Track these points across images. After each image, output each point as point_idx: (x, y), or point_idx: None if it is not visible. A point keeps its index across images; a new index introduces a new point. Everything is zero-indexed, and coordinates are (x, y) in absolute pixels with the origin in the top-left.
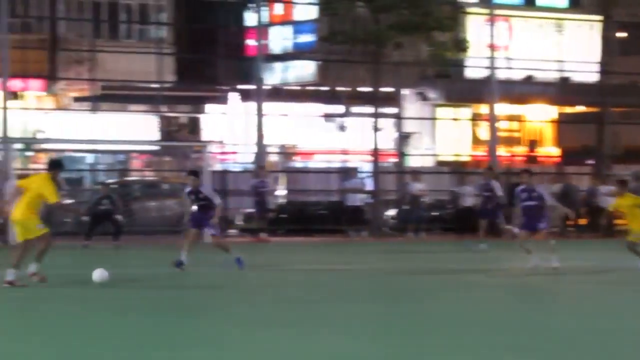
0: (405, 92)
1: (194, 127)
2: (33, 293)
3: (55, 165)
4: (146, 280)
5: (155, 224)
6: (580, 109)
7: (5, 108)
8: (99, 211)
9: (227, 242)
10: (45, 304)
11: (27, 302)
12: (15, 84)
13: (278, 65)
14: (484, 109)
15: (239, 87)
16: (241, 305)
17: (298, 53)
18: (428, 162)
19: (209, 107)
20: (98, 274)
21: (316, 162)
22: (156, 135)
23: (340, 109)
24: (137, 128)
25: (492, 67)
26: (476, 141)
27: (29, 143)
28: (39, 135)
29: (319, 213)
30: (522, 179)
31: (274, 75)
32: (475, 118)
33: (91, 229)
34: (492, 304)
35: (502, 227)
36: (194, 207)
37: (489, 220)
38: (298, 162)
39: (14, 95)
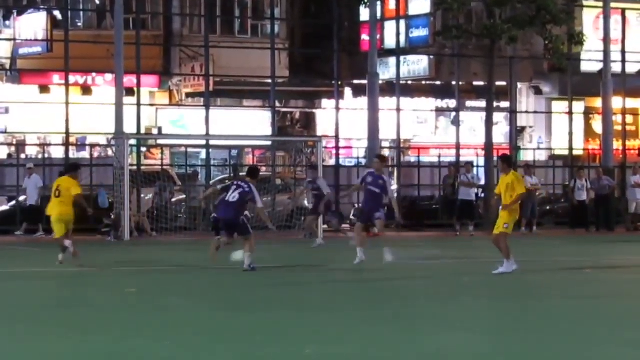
0: (519, 86)
1: (307, 122)
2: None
3: None
4: (276, 276)
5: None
6: None
7: (119, 104)
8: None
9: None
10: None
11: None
12: (130, 80)
13: (392, 60)
14: (598, 102)
15: (353, 82)
16: (358, 302)
17: (412, 48)
18: (542, 156)
19: (323, 102)
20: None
21: (429, 157)
22: (269, 130)
23: (453, 103)
24: (250, 123)
25: (606, 61)
26: (590, 135)
27: (143, 139)
28: (153, 131)
29: (431, 208)
30: None
31: (387, 70)
32: (590, 112)
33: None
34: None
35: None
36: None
37: None
38: (411, 157)
39: (128, 91)
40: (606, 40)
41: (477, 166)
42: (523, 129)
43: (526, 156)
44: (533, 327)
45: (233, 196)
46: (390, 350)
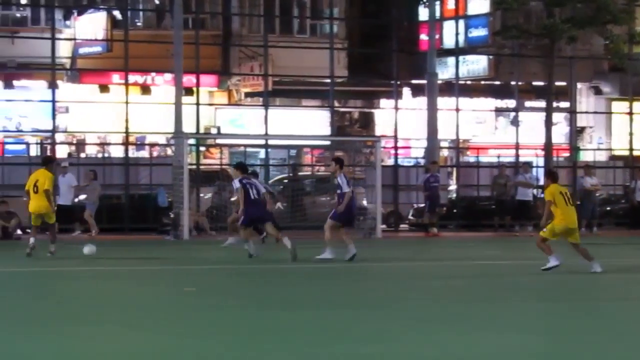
0: (579, 86)
1: (366, 122)
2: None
3: None
4: (323, 275)
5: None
6: None
7: (178, 103)
8: None
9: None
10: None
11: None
12: (189, 79)
13: (451, 60)
14: None
15: (412, 81)
16: (416, 300)
17: (471, 47)
18: (601, 157)
19: (381, 102)
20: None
21: (488, 157)
22: (328, 130)
23: (513, 103)
24: (309, 123)
25: None
26: None
27: (202, 138)
28: (212, 131)
29: (490, 208)
30: None
31: (446, 70)
32: None
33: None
34: None
35: None
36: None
37: None
38: (470, 157)
39: (187, 90)
40: None
41: (537, 166)
42: (583, 129)
43: (586, 156)
44: (590, 328)
45: (255, 193)
46: (447, 350)
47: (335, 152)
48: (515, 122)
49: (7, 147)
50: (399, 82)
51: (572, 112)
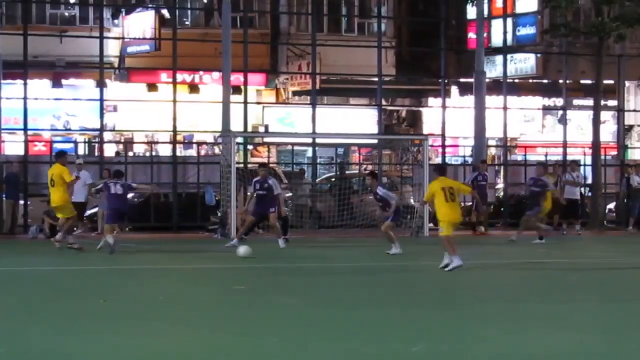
0: (627, 84)
1: (414, 120)
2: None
3: None
4: (380, 274)
5: (373, 218)
6: None
7: (226, 102)
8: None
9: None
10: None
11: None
12: (237, 78)
13: (499, 58)
14: None
15: (460, 80)
16: (469, 298)
17: (519, 46)
18: None
19: (429, 100)
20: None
21: (536, 155)
22: (376, 128)
23: (561, 101)
24: (356, 122)
25: None
26: None
27: (250, 137)
28: (260, 129)
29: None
30: None
31: (494, 68)
32: None
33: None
34: None
35: None
36: None
37: None
38: (518, 155)
39: (235, 89)
40: None
41: (584, 165)
42: (631, 127)
43: (633, 155)
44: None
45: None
46: (498, 348)
47: (382, 150)
48: (563, 121)
49: (56, 145)
50: (446, 81)
51: (620, 110)
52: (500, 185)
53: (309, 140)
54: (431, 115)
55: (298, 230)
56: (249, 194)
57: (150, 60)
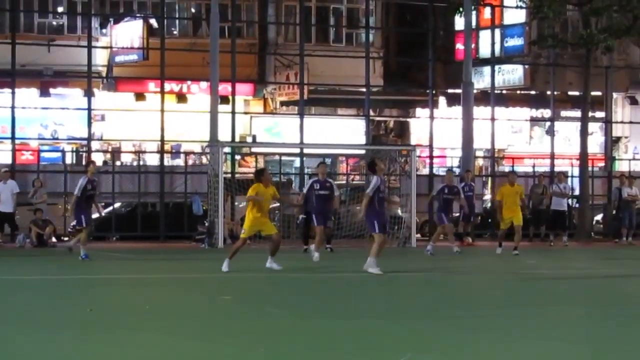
0: (615, 96)
1: (401, 130)
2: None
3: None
4: (370, 284)
5: (359, 229)
6: None
7: (214, 112)
8: None
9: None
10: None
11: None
12: (225, 88)
13: (486, 69)
14: None
15: (448, 91)
16: (457, 309)
17: (507, 57)
18: (637, 167)
19: (417, 111)
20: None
21: (524, 167)
22: (363, 139)
23: (548, 113)
24: (344, 132)
25: None
26: None
27: (238, 146)
28: (247, 139)
29: (525, 218)
30: None
31: (482, 79)
32: None
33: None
34: None
35: None
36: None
37: None
38: (505, 166)
39: (223, 99)
40: None
41: (572, 176)
42: (618, 139)
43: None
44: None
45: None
46: (486, 358)
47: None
48: (550, 132)
49: (43, 154)
50: (434, 91)
51: (607, 121)
52: (487, 196)
53: (297, 151)
54: (419, 125)
55: (285, 240)
56: (301, 193)
57: (138, 70)
